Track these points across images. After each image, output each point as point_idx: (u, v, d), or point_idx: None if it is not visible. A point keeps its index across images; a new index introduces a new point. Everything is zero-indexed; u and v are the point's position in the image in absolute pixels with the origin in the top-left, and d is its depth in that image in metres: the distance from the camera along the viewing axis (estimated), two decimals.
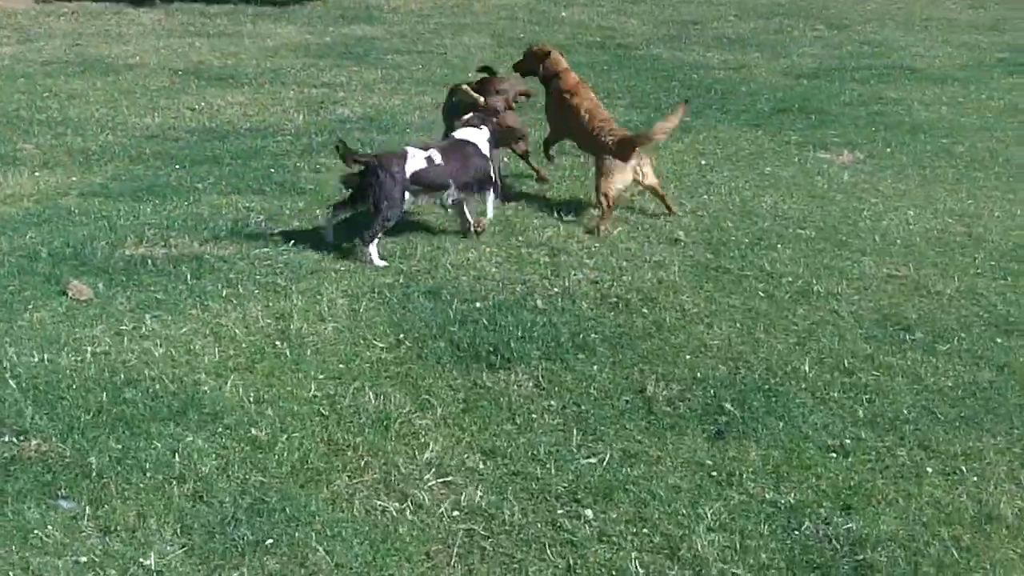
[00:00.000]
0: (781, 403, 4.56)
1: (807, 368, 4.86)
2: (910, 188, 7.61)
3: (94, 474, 3.99)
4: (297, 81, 11.08)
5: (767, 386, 4.71)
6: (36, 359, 4.86)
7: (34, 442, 4.18)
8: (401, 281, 5.87)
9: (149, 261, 6.08)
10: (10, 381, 4.64)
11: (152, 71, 11.56)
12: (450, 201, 6.40)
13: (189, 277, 5.87)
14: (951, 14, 16.14)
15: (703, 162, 8.22)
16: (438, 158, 6.29)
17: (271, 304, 5.55)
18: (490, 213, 6.70)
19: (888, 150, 8.54)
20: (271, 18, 15.44)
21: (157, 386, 4.66)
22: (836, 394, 4.68)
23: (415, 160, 6.22)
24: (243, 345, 5.09)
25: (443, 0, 17.20)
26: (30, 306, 5.46)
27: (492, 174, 6.57)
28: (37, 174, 7.78)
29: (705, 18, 15.59)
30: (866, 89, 10.84)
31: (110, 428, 4.31)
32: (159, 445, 4.18)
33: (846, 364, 4.95)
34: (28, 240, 6.41)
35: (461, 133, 6.62)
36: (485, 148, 6.54)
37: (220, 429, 4.34)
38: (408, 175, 6.18)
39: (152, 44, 13.21)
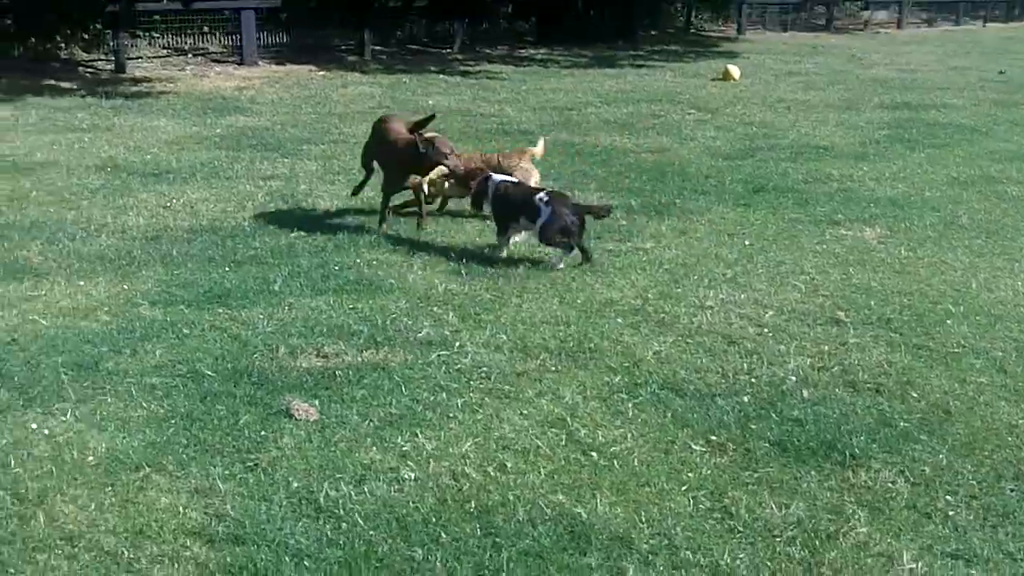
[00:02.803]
0: None
1: None
2: (969, 260, 8.00)
3: None
4: (239, 175, 10.54)
5: None
6: (355, 491, 4.48)
7: None
8: (627, 380, 5.67)
9: (336, 373, 5.53)
10: (360, 520, 4.25)
11: (72, 169, 10.74)
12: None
13: (399, 388, 5.51)
14: (798, 96, 17.07)
15: (746, 242, 8.29)
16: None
17: (526, 411, 5.28)
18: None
19: (903, 225, 8.86)
20: (133, 111, 14.58)
21: (529, 510, 4.34)
22: None
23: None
24: (550, 457, 4.82)
25: (297, 92, 16.74)
26: (269, 435, 4.97)
27: None
28: (80, 283, 6.99)
29: (575, 104, 15.82)
30: (808, 168, 11.39)
31: (525, 566, 3.95)
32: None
33: None
34: (161, 358, 5.83)
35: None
36: None
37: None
38: None
39: (33, 141, 12.25)
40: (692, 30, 29.45)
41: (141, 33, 19.17)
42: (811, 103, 16.36)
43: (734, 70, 18.65)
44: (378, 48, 21.59)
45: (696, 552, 4.04)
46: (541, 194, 7.60)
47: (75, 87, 16.75)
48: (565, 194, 7.92)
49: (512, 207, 7.73)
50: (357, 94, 16.87)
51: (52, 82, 17.03)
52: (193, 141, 12.53)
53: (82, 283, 7.05)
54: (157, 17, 19.14)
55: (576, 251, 7.54)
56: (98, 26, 19.11)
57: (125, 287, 7.03)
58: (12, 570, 3.83)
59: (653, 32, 28.05)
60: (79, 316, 6.46)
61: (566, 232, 7.46)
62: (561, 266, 7.49)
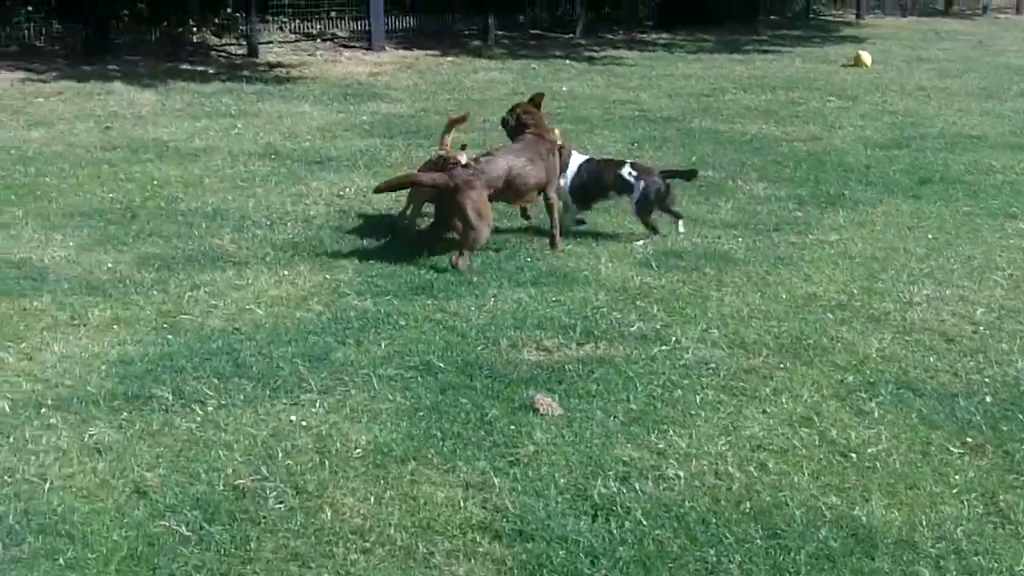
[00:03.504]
0: None
1: None
2: None
3: None
4: (399, 162, 10.71)
5: None
6: (626, 488, 4.53)
7: None
8: (859, 378, 5.69)
9: (565, 367, 5.62)
10: (641, 518, 4.30)
11: (235, 155, 10.96)
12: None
13: (632, 384, 5.57)
14: (935, 83, 16.72)
15: (929, 236, 8.25)
16: None
17: (769, 410, 5.33)
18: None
19: None
20: (275, 97, 14.77)
21: (806, 512, 4.39)
22: None
23: None
24: (809, 457, 4.85)
25: (430, 79, 16.82)
26: (520, 429, 5.06)
27: None
28: (283, 272, 7.12)
29: (711, 91, 15.70)
30: (967, 159, 11.21)
31: (819, 570, 4.00)
32: None
33: None
34: (387, 349, 5.99)
35: None
36: None
37: None
38: None
39: (187, 126, 12.57)
40: (811, 15, 28.99)
41: (270, 18, 19.36)
42: (950, 91, 16.04)
43: (865, 56, 18.35)
44: (500, 33, 21.60)
45: (985, 557, 4.00)
46: (627, 168, 7.94)
47: (212, 71, 17.01)
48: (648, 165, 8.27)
49: (599, 185, 8.03)
50: (488, 80, 16.90)
51: (188, 67, 17.28)
52: (342, 128, 12.64)
53: (285, 272, 7.17)
54: (287, 1, 19.31)
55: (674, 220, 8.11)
56: (229, 10, 19.32)
57: (327, 276, 7.13)
58: (312, 564, 3.92)
59: (773, 17, 27.69)
60: (292, 306, 6.57)
61: (661, 199, 7.84)
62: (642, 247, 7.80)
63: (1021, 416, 5.09)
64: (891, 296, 6.79)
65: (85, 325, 6.20)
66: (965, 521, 4.24)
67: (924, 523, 4.21)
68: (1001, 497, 4.41)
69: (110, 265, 7.29)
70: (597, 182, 8.01)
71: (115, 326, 6.20)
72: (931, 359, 5.81)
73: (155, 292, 6.76)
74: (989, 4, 34.07)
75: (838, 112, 14.13)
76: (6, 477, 4.49)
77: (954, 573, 3.94)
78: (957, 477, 4.55)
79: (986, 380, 5.55)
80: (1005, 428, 4.96)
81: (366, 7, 19.64)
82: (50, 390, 5.30)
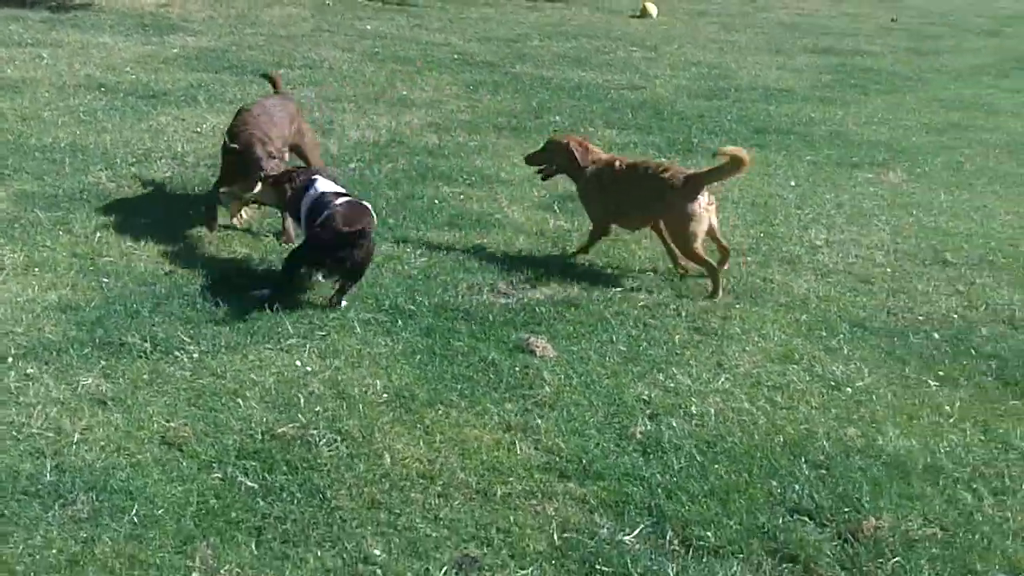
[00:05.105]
0: None
1: None
2: (1000, 204, 8.53)
3: None
4: (238, 98, 10.13)
5: None
6: (663, 426, 4.70)
7: None
8: (813, 318, 6.05)
9: (520, 310, 5.65)
10: (692, 450, 4.52)
11: (62, 88, 10.27)
12: None
13: (622, 326, 5.73)
14: (723, 36, 17.50)
15: (791, 183, 8.70)
16: None
17: (748, 348, 5.61)
18: None
19: (918, 170, 9.48)
20: (67, 26, 13.90)
21: (834, 442, 4.68)
22: None
23: None
24: (809, 392, 5.16)
25: (223, 11, 16.24)
26: (526, 371, 5.16)
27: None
28: (188, 212, 6.79)
29: (517, 37, 15.90)
30: (786, 110, 11.81)
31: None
32: None
33: None
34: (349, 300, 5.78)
35: None
36: None
37: None
38: None
39: None
40: None
41: None
42: (739, 44, 16.82)
43: (651, 8, 18.98)
44: None
45: (1002, 479, 4.34)
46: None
47: None
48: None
49: None
50: (285, 16, 16.42)
51: None
52: (157, 61, 12.05)
53: (190, 212, 6.79)
54: None
55: None
56: None
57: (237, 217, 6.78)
58: (397, 511, 3.85)
59: None
60: (218, 247, 6.35)
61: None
62: None
63: (973, 350, 5.48)
64: (793, 240, 7.16)
65: (2, 270, 5.70)
66: (974, 448, 4.56)
67: (940, 450, 4.49)
68: (994, 425, 4.74)
69: None
70: None
71: (35, 269, 5.78)
72: (862, 299, 6.18)
73: (60, 233, 6.34)
74: None
75: (647, 63, 14.55)
76: (14, 432, 4.14)
77: (986, 493, 4.22)
78: (948, 408, 4.90)
79: (920, 318, 5.97)
80: (965, 362, 5.36)
81: None
82: (3, 338, 4.93)
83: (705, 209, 6.10)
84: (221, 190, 6.56)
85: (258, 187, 6.17)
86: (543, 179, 6.96)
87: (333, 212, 5.42)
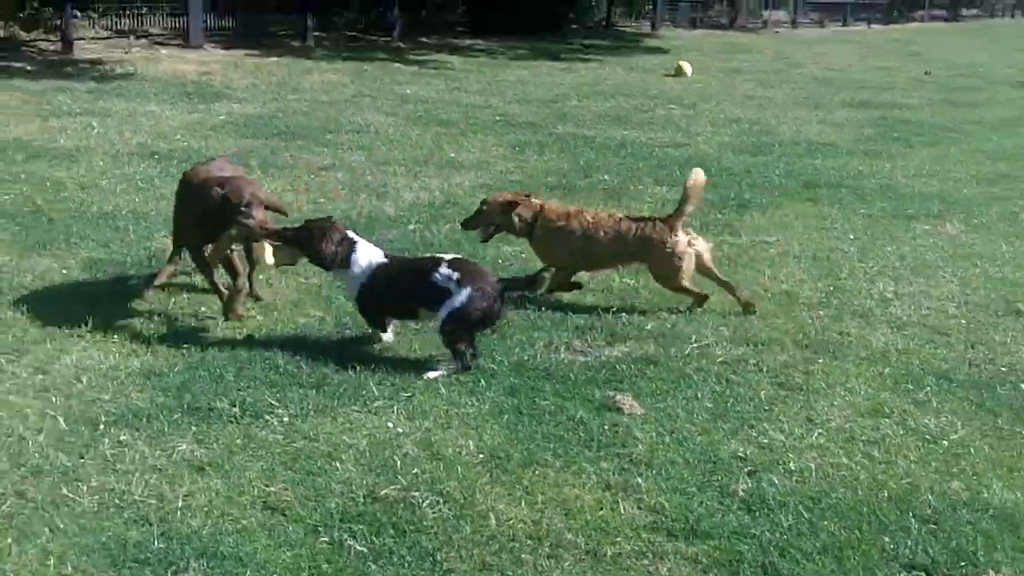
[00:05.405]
0: None
1: None
2: None
3: None
4: (293, 165, 10.48)
5: None
6: (764, 482, 4.64)
7: None
8: (897, 371, 5.97)
9: (599, 368, 5.59)
10: (792, 509, 4.41)
11: (115, 156, 10.55)
12: None
13: (704, 382, 5.69)
14: (759, 92, 17.58)
15: (850, 236, 8.66)
16: None
17: (837, 403, 5.57)
18: None
19: (975, 221, 9.42)
20: (112, 95, 14.24)
21: (937, 496, 4.61)
22: None
23: None
24: (901, 446, 5.09)
25: (264, 79, 16.47)
26: (616, 430, 5.12)
27: None
28: (259, 276, 6.79)
29: (555, 97, 16.03)
30: (832, 164, 11.94)
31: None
32: None
33: None
34: (424, 352, 5.89)
35: None
36: None
37: None
38: None
39: (36, 126, 11.97)
40: (610, 26, 29.85)
41: (78, 12, 18.36)
42: (776, 100, 16.90)
43: (686, 66, 19.11)
44: (317, 34, 21.21)
45: None
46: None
47: (31, 68, 15.99)
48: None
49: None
50: (326, 82, 16.63)
51: (2, 63, 16.19)
52: (207, 128, 12.21)
53: (259, 276, 6.81)
54: None
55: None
56: (36, 4, 18.21)
57: (302, 280, 6.78)
58: (508, 574, 3.82)
59: (575, 27, 28.33)
60: (287, 311, 6.28)
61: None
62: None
63: None
64: (862, 293, 7.11)
65: (82, 337, 5.72)
66: None
67: None
68: None
69: (64, 272, 6.77)
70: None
71: (114, 336, 5.77)
72: (942, 351, 6.13)
73: (136, 299, 6.32)
74: (768, 19, 35.93)
75: (687, 120, 14.63)
76: (116, 500, 4.12)
77: None
78: None
79: (1003, 369, 5.91)
80: None
81: (184, 3, 18.85)
82: (93, 405, 4.93)
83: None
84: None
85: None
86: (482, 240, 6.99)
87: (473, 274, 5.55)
